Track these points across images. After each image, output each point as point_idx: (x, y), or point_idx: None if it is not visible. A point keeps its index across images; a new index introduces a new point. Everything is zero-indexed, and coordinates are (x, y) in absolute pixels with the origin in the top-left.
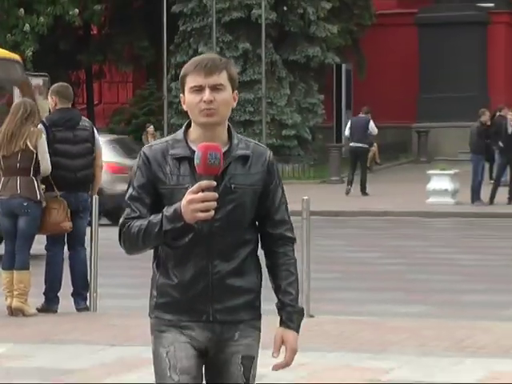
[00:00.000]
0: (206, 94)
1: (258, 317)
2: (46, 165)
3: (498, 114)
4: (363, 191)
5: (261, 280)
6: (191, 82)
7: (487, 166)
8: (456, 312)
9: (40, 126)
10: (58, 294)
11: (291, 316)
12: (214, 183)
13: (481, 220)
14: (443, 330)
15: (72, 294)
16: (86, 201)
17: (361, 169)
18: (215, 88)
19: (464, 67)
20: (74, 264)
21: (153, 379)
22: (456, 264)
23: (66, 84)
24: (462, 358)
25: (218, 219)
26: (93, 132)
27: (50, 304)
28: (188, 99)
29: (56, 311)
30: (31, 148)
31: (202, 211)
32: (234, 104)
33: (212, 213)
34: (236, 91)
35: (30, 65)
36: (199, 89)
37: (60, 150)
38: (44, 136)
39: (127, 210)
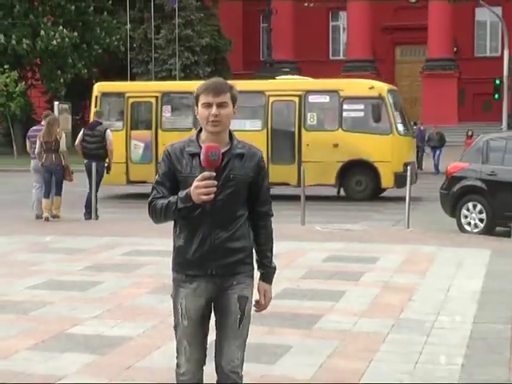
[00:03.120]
0: (213, 110)
1: (251, 269)
2: (62, 147)
3: None
4: None
5: (252, 242)
6: (203, 99)
7: None
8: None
9: (82, 129)
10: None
11: (269, 274)
12: (214, 174)
13: None
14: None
15: (84, 212)
16: (96, 166)
17: None
18: (220, 105)
19: None
20: (87, 196)
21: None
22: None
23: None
24: (282, 242)
25: (219, 199)
26: (104, 132)
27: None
28: (200, 112)
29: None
30: (58, 139)
31: (205, 194)
32: (234, 115)
33: (212, 196)
34: (236, 107)
35: (63, 98)
36: (208, 105)
37: (86, 140)
38: (64, 133)
39: (154, 192)
